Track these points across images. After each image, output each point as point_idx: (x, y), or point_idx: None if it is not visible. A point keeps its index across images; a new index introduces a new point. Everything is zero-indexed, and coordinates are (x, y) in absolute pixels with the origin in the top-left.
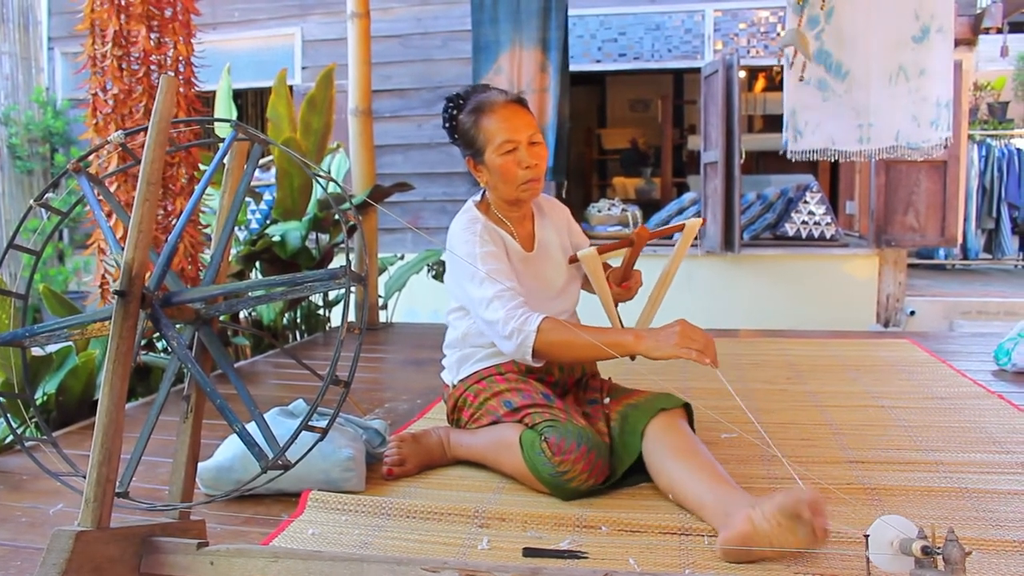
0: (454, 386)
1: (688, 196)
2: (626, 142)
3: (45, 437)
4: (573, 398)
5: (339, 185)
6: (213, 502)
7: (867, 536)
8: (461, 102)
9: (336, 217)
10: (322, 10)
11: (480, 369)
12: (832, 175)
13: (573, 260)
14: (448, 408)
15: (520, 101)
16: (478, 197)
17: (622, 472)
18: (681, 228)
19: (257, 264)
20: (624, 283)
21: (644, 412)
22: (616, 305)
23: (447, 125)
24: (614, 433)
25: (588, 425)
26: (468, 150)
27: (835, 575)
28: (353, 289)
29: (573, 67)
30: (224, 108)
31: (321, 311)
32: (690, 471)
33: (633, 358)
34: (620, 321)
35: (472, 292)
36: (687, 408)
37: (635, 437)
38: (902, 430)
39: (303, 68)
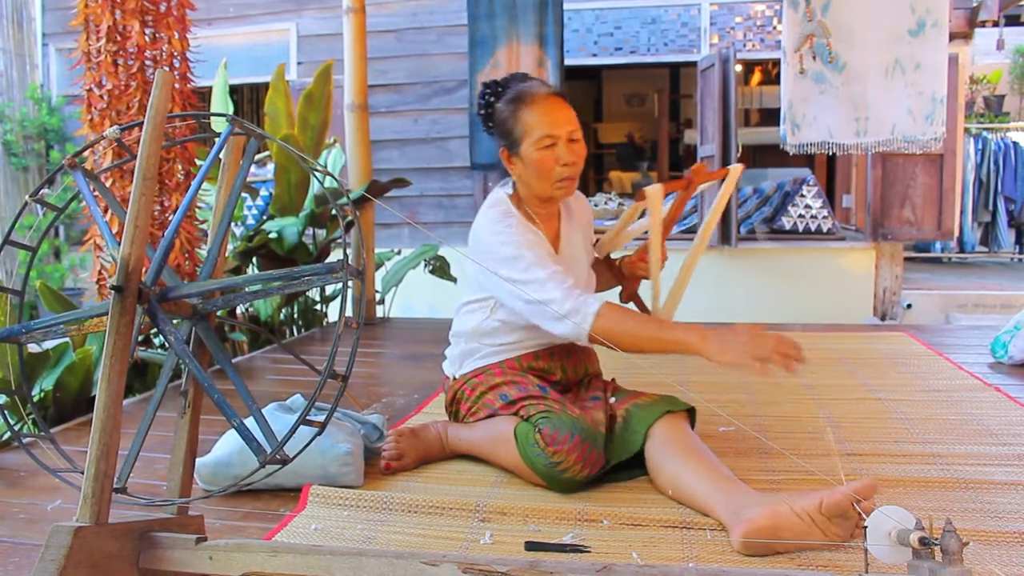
0: (454, 379)
1: None
2: (622, 136)
3: (43, 433)
4: (574, 396)
5: (336, 180)
6: (211, 497)
7: (865, 527)
8: (499, 89)
9: (333, 212)
10: (317, 5)
11: (482, 365)
12: (828, 169)
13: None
14: (447, 400)
15: (561, 95)
16: (509, 189)
17: (615, 462)
18: (726, 174)
19: (254, 260)
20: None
21: (650, 412)
22: (637, 284)
23: (482, 112)
24: (617, 429)
25: (583, 415)
26: (503, 141)
27: (834, 565)
28: (351, 284)
29: (569, 61)
30: (221, 103)
31: (318, 306)
32: (695, 469)
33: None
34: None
35: (518, 276)
36: (690, 412)
37: (638, 436)
38: (899, 423)
39: (298, 63)
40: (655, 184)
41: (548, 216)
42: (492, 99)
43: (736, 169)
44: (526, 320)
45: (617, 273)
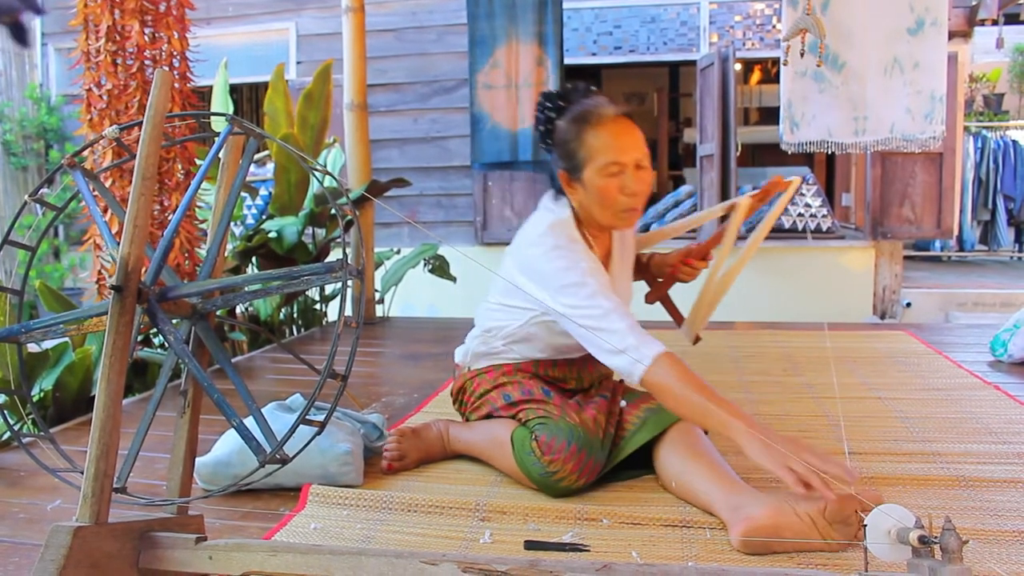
0: (468, 370)
1: (684, 189)
2: None
3: (42, 433)
4: (582, 396)
5: (336, 179)
6: (211, 497)
7: (865, 525)
8: (561, 104)
9: (333, 212)
10: (317, 4)
11: (496, 363)
12: (828, 167)
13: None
14: (454, 387)
15: (630, 115)
16: (567, 209)
17: (619, 461)
18: (787, 185)
19: (253, 259)
20: (706, 257)
21: (666, 417)
22: (670, 287)
23: (542, 128)
24: (627, 434)
25: (582, 423)
26: (563, 162)
27: (833, 564)
28: (350, 283)
29: (568, 60)
30: (221, 102)
31: (318, 306)
32: (699, 467)
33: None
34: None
35: (577, 302)
36: None
37: (650, 435)
38: (899, 421)
39: (298, 63)
40: (746, 196)
41: (603, 240)
42: (553, 115)
43: (797, 181)
44: (563, 342)
45: (643, 270)
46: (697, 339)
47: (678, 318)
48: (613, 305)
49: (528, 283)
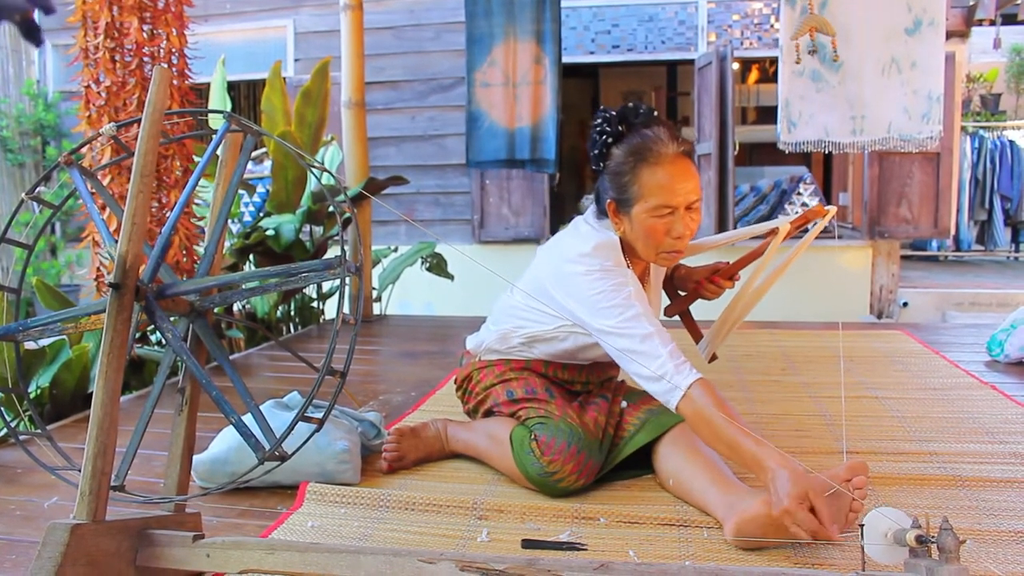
0: (478, 359)
1: None
2: None
3: (39, 431)
4: (584, 397)
5: (334, 176)
6: (208, 495)
7: (862, 526)
8: (619, 128)
9: (330, 209)
10: (314, 2)
11: (507, 358)
12: (825, 167)
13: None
14: (461, 375)
15: (689, 155)
16: (612, 232)
17: (618, 462)
18: (826, 213)
19: (251, 257)
20: (734, 277)
21: (666, 419)
22: (689, 303)
23: (596, 151)
24: (627, 435)
25: (582, 424)
26: (613, 193)
27: (831, 564)
28: (348, 281)
29: (566, 59)
30: (219, 100)
31: (315, 304)
32: (696, 467)
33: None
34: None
35: (617, 323)
36: None
37: (649, 437)
38: (896, 420)
39: (296, 60)
40: (785, 221)
41: (640, 262)
42: (609, 140)
43: (832, 210)
44: (586, 354)
45: (666, 281)
46: (713, 357)
47: (696, 334)
48: (655, 329)
49: (566, 298)
